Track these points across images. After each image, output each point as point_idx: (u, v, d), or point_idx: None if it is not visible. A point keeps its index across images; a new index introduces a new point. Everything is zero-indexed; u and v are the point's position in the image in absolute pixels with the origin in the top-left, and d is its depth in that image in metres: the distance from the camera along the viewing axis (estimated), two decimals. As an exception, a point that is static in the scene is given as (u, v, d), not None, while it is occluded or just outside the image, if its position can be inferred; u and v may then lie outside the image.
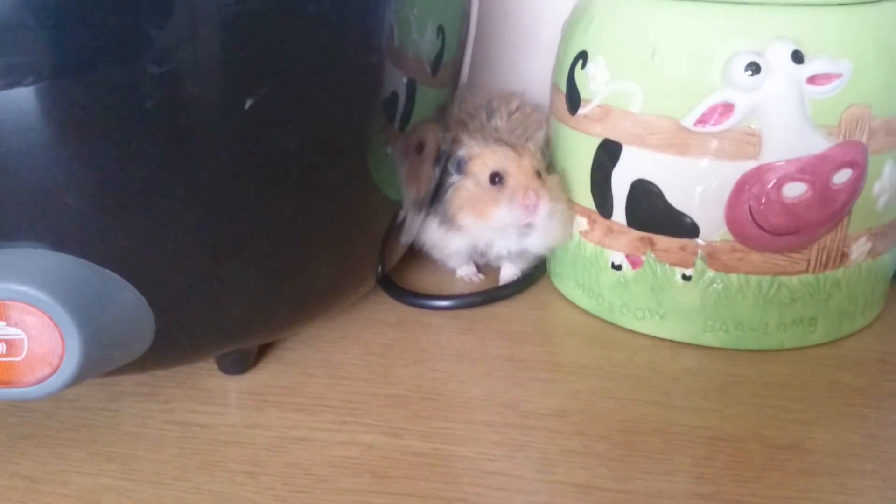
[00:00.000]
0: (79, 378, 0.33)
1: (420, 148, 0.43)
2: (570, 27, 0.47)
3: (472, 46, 0.48)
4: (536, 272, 0.52)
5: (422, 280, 0.52)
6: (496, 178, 0.47)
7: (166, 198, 0.33)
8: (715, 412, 0.39)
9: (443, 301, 0.49)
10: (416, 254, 0.52)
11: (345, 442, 0.37)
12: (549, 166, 0.49)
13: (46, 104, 0.29)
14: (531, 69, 0.62)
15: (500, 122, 0.52)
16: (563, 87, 0.46)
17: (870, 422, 0.39)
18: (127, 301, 0.34)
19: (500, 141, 0.48)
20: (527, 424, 0.38)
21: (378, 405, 0.40)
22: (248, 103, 0.32)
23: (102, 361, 0.34)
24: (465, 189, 0.47)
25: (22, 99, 0.29)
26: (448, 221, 0.48)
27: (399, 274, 0.52)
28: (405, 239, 0.47)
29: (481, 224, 0.47)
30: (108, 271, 0.33)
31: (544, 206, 0.46)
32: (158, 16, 0.29)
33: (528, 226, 0.47)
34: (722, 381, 0.42)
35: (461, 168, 0.48)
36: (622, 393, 0.41)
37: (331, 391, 0.41)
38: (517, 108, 0.54)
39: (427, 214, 0.49)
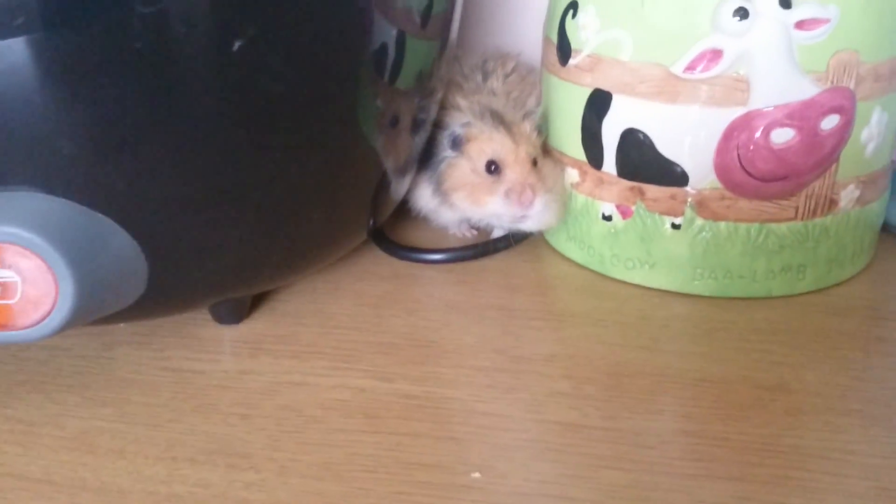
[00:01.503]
0: (73, 321, 0.33)
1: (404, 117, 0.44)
2: (560, -22, 0.47)
3: (463, 4, 0.48)
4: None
5: (414, 235, 0.52)
6: (492, 167, 0.46)
7: (157, 142, 0.33)
8: (702, 356, 0.40)
9: (435, 255, 0.49)
10: (408, 209, 0.52)
11: (337, 386, 0.38)
12: (544, 145, 0.49)
13: (37, 47, 0.30)
14: (522, 27, 0.62)
15: (496, 83, 0.52)
16: (555, 38, 0.47)
17: (856, 364, 0.39)
18: (120, 245, 0.34)
19: (497, 119, 0.47)
20: (517, 369, 0.39)
21: (370, 352, 0.40)
22: (237, 45, 0.32)
23: (96, 305, 0.35)
24: (461, 169, 0.47)
25: (13, 43, 0.29)
26: (441, 195, 0.49)
27: (391, 228, 0.52)
28: (396, 192, 0.48)
29: (475, 209, 0.48)
30: (100, 215, 0.34)
31: (539, 202, 0.46)
32: (145, -47, 0.29)
33: (523, 217, 0.47)
34: (710, 327, 0.42)
35: (457, 145, 0.47)
36: (611, 339, 0.41)
37: (324, 339, 0.41)
38: (513, 70, 0.53)
39: (419, 178, 0.50)
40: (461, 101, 0.49)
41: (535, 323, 0.43)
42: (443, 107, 0.49)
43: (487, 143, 0.46)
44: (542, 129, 0.48)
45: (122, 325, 0.43)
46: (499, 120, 0.47)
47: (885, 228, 0.51)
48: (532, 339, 0.41)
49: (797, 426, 0.35)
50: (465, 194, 0.47)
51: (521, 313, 0.44)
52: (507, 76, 0.52)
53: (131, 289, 0.36)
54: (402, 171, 0.46)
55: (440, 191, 0.48)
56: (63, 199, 0.33)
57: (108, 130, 0.32)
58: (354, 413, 0.36)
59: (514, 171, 0.46)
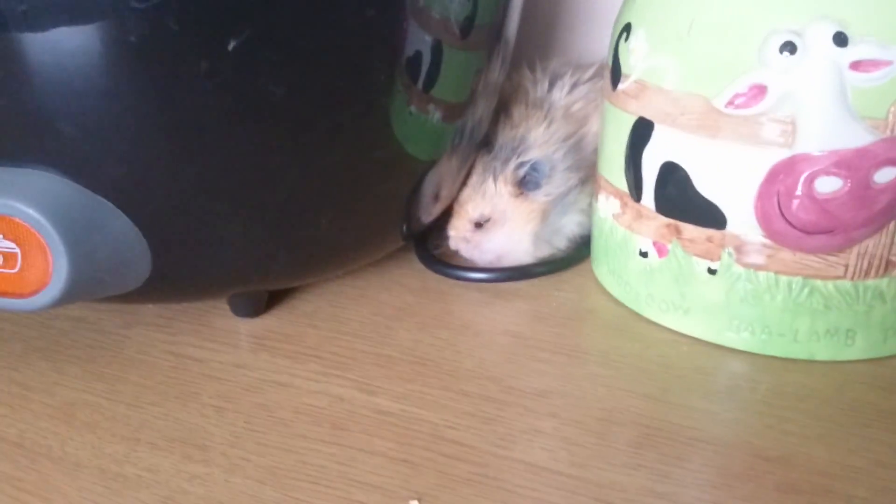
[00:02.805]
0: (68, 297, 0.35)
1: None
2: (626, -2, 0.45)
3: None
4: (574, 254, 0.50)
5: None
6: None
7: (156, 133, 0.34)
8: (709, 415, 0.37)
9: (468, 272, 0.48)
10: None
11: (318, 392, 0.38)
12: (521, 182, 0.47)
13: (41, 37, 0.31)
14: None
15: (559, 93, 0.50)
16: (610, 61, 0.44)
17: (882, 447, 0.35)
18: (119, 229, 0.36)
19: (486, 163, 0.48)
20: (504, 400, 0.37)
21: (366, 363, 0.40)
22: (232, 45, 0.33)
23: (94, 284, 0.36)
24: None
25: (20, 35, 0.31)
26: None
27: (437, 239, 0.52)
28: (436, 201, 0.47)
29: None
30: (101, 198, 0.35)
31: (477, 255, 0.48)
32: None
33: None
34: (732, 384, 0.39)
35: None
36: (617, 383, 0.39)
37: (327, 344, 0.41)
38: (589, 78, 0.51)
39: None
40: (513, 112, 0.48)
41: (543, 355, 0.41)
42: (500, 106, 0.48)
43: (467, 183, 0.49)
44: (531, 182, 0.47)
45: (149, 305, 0.44)
46: (485, 165, 0.48)
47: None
48: (532, 372, 0.39)
49: (783, 505, 0.31)
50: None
51: (534, 343, 0.42)
52: (574, 86, 0.50)
53: (134, 273, 0.37)
54: (439, 180, 0.45)
55: None
56: (67, 180, 0.34)
57: (108, 117, 0.33)
58: (323, 421, 0.36)
59: (454, 224, 0.49)
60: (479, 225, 0.48)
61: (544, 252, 0.49)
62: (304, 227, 0.39)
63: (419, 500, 0.31)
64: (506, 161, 0.47)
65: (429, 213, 0.47)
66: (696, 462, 0.34)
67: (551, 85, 0.51)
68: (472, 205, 0.48)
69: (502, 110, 0.49)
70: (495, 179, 0.47)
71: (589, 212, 0.49)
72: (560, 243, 0.50)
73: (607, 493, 0.32)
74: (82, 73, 0.32)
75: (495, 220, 0.48)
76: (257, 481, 0.32)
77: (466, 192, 0.48)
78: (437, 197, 0.46)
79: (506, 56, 0.46)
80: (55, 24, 0.31)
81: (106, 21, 0.31)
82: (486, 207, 0.47)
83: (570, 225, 0.49)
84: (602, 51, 0.53)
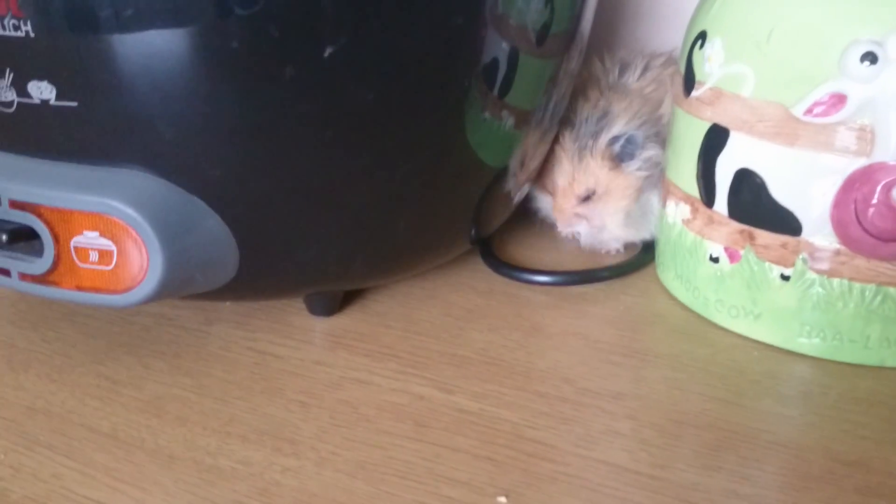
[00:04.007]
0: (160, 293, 0.36)
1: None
2: (699, 5, 0.46)
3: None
4: (638, 259, 0.50)
5: (522, 252, 0.52)
6: (550, 185, 0.50)
7: (251, 135, 0.35)
8: (785, 419, 0.37)
9: (535, 276, 0.49)
10: (521, 224, 0.52)
11: (398, 390, 0.38)
12: (618, 155, 0.48)
13: (145, 42, 0.32)
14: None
15: (632, 77, 0.51)
16: (682, 67, 0.45)
17: (961, 454, 0.35)
18: (211, 228, 0.37)
19: (578, 138, 0.48)
20: (579, 401, 0.38)
21: (441, 362, 0.41)
22: (328, 51, 0.34)
23: (185, 281, 0.37)
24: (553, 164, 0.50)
25: (126, 37, 0.32)
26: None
27: (501, 243, 0.52)
28: (504, 206, 0.48)
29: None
30: (195, 198, 0.36)
31: (584, 230, 0.50)
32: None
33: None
34: (805, 389, 0.39)
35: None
36: (691, 386, 0.39)
37: (401, 343, 0.42)
38: (661, 65, 0.52)
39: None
40: (589, 96, 0.49)
41: (615, 358, 0.41)
42: (574, 94, 0.49)
43: (558, 162, 0.49)
44: (626, 154, 0.48)
45: (227, 303, 0.46)
46: (579, 140, 0.48)
47: None
48: (606, 374, 0.40)
49: (866, 509, 0.32)
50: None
51: (604, 346, 0.42)
52: (644, 70, 0.51)
53: (222, 270, 0.38)
54: (508, 185, 0.46)
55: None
56: (162, 180, 0.36)
57: (209, 121, 0.35)
58: (405, 418, 0.36)
59: (559, 200, 0.49)
60: (587, 199, 0.49)
61: (631, 236, 0.51)
62: (383, 229, 0.40)
63: (506, 496, 0.32)
64: (595, 135, 0.48)
65: (498, 217, 0.48)
66: (774, 465, 0.34)
67: (622, 72, 0.52)
68: (575, 182, 0.48)
69: (579, 94, 0.50)
70: (592, 154, 0.48)
71: None
72: (645, 231, 0.51)
73: (690, 494, 0.32)
74: (182, 77, 0.33)
75: (599, 194, 0.49)
76: (348, 475, 0.33)
77: (562, 173, 0.49)
78: (504, 201, 0.47)
79: (578, 61, 0.47)
80: (159, 28, 0.32)
81: (208, 26, 0.32)
82: (589, 181, 0.48)
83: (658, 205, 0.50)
84: (664, 46, 0.54)
